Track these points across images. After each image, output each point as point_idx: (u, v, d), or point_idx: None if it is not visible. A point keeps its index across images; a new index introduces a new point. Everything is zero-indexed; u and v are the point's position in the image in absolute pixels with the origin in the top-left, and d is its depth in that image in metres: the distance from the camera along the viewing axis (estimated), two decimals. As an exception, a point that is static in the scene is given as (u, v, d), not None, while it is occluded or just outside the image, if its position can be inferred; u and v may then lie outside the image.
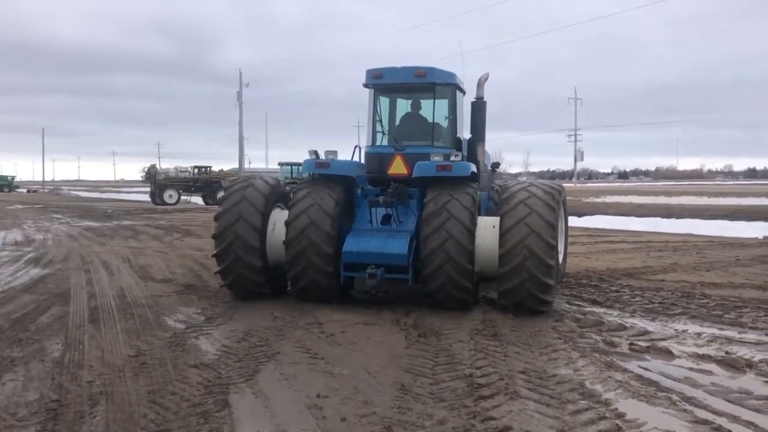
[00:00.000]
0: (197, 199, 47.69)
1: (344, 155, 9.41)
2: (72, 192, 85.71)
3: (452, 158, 8.61)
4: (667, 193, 52.54)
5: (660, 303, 8.76)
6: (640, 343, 6.70)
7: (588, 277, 11.03)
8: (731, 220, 31.25)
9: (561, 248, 9.63)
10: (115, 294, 9.52)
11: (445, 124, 9.74)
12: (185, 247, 16.14)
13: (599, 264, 12.72)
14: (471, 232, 8.02)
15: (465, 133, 10.28)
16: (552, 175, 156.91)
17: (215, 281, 10.61)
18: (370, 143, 9.77)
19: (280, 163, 33.81)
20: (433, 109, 9.62)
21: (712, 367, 5.93)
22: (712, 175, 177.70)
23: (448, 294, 8.11)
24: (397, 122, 10.02)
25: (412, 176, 8.71)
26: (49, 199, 57.39)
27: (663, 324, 7.60)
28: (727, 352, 6.34)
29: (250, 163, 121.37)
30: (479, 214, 8.67)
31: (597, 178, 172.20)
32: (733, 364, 5.94)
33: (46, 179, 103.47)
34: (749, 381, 5.54)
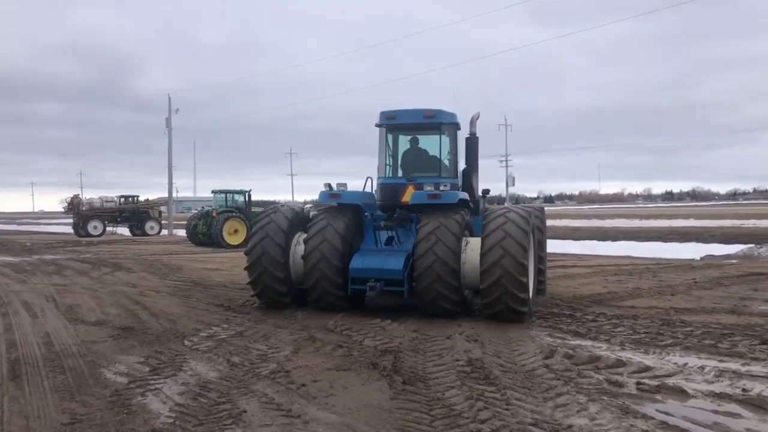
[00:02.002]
0: (124, 230, 45.47)
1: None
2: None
3: (441, 188, 10.07)
4: (600, 216, 53.66)
5: (645, 333, 8.21)
6: (646, 381, 6.06)
7: (557, 305, 10.48)
8: (665, 241, 31.99)
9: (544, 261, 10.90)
10: (40, 341, 8.24)
11: (448, 157, 11.07)
12: (117, 282, 14.74)
13: (563, 290, 12.23)
14: (456, 253, 9.13)
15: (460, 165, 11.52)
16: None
17: (155, 322, 9.51)
18: (384, 175, 11.09)
19: (213, 191, 32.16)
20: (440, 145, 10.93)
21: (737, 408, 5.33)
22: (632, 198, 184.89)
23: (439, 306, 9.26)
24: (408, 156, 11.24)
25: (409, 203, 10.05)
26: (-39, 233, 53.53)
27: (659, 357, 7.01)
28: (744, 390, 5.77)
29: (177, 191, 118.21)
30: (474, 235, 9.88)
31: (524, 203, 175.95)
32: (758, 405, 5.36)
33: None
34: (785, 424, 4.96)
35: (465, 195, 10.28)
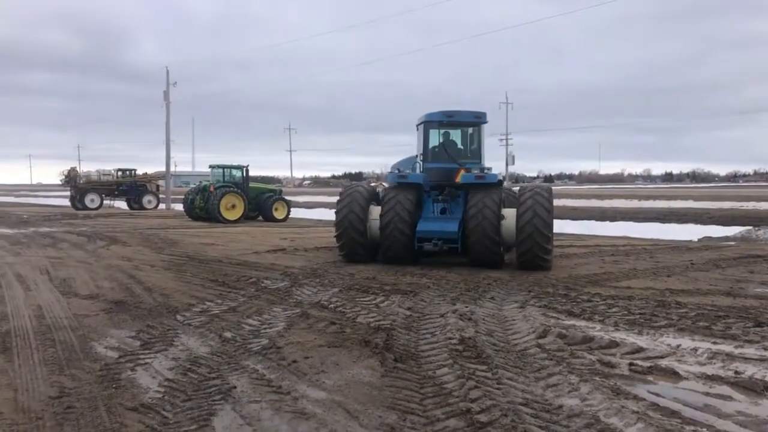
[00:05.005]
0: (121, 204, 45.39)
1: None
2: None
3: (485, 171, 13.58)
4: (599, 197, 53.50)
5: (640, 314, 8.18)
6: (639, 362, 6.04)
7: (553, 285, 10.45)
8: (663, 222, 31.94)
9: None
10: (31, 314, 8.22)
11: (483, 147, 14.49)
12: (112, 256, 14.71)
13: (559, 271, 12.21)
14: (497, 216, 12.38)
15: None
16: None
17: (149, 296, 9.50)
18: (435, 160, 14.12)
19: (211, 166, 31.77)
20: (480, 138, 14.42)
21: (728, 390, 5.31)
22: (632, 178, 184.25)
23: (484, 257, 12.56)
24: (450, 146, 14.37)
25: (460, 182, 13.36)
26: (-42, 204, 53.39)
27: (653, 338, 6.99)
28: (736, 372, 5.75)
29: (176, 166, 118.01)
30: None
31: (524, 182, 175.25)
32: (750, 387, 5.34)
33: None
34: (776, 407, 4.94)
35: (501, 176, 13.70)
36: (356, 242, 13.28)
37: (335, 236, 13.63)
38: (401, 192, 13.16)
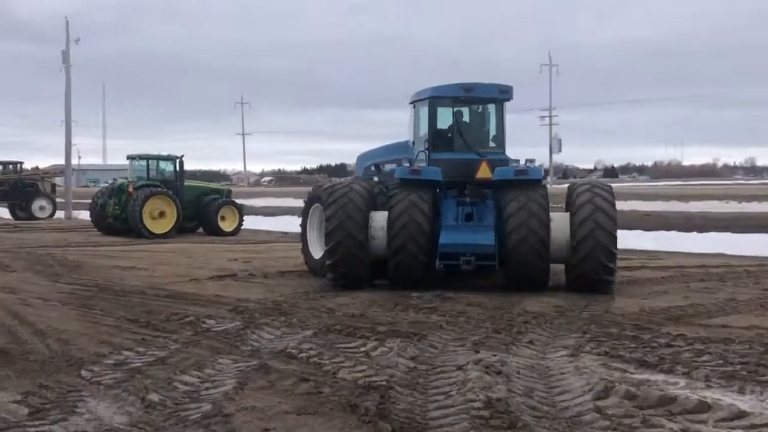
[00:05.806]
0: (2, 211, 45.41)
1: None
2: None
3: (527, 163, 14.21)
4: (682, 197, 53.77)
5: (741, 364, 8.25)
6: (740, 432, 6.09)
7: (619, 324, 10.54)
8: (772, 233, 32.09)
9: None
10: None
11: (504, 132, 15.26)
12: (-12, 286, 14.72)
13: (627, 302, 12.36)
14: (547, 226, 13.02)
15: None
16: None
17: (41, 343, 9.56)
18: (440, 149, 14.73)
19: (129, 156, 31.73)
20: (503, 119, 15.11)
21: None
22: (728, 171, 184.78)
23: (530, 278, 13.16)
24: (466, 130, 14.99)
25: (493, 179, 13.87)
26: None
27: (759, 399, 7.05)
28: None
29: (80, 157, 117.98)
30: None
31: (575, 177, 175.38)
32: None
33: None
34: None
35: (544, 169, 14.83)
36: (356, 259, 13.62)
37: (327, 250, 13.92)
38: (413, 192, 13.61)
